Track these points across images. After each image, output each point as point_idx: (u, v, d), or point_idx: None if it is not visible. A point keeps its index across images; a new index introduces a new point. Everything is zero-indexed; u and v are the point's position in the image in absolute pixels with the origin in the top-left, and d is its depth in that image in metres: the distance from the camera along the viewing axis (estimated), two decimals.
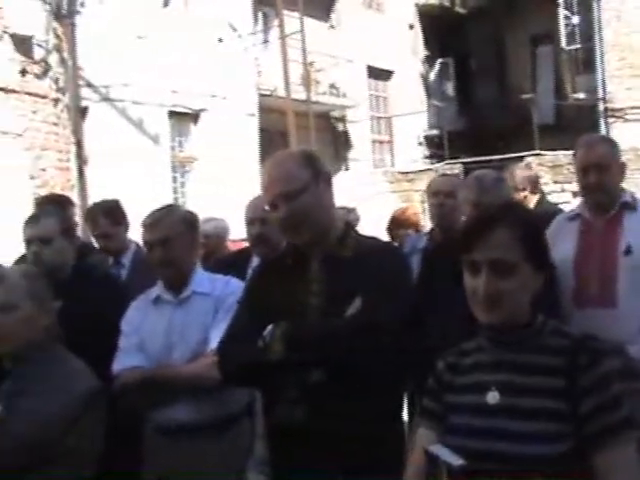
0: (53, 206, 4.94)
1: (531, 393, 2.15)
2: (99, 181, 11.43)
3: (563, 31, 21.54)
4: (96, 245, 5.39)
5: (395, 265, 2.94)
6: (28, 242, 3.94)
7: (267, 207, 2.96)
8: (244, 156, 15.29)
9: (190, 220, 3.69)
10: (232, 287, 3.52)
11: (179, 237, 3.55)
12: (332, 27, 21.04)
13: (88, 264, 4.45)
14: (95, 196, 9.03)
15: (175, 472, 3.47)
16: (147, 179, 12.80)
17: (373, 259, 2.86)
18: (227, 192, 13.13)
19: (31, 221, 3.99)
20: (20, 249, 4.13)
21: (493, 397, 2.20)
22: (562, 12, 21.43)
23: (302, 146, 4.15)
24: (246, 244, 4.96)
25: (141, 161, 13.09)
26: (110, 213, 5.29)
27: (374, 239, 3.13)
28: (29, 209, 7.30)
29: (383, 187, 19.02)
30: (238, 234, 6.31)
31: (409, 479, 2.36)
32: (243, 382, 3.15)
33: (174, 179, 14.86)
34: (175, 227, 3.56)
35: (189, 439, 3.46)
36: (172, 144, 14.87)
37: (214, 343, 3.23)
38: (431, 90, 24.68)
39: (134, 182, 12.16)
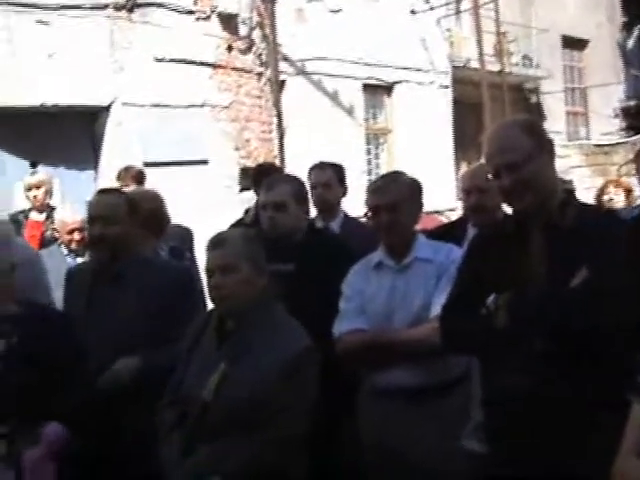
0: (287, 175, 5.17)
1: None
2: (296, 152, 11.71)
3: None
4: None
5: (619, 234, 2.87)
6: (263, 207, 4.18)
7: (490, 176, 2.98)
8: (437, 128, 15.24)
9: (415, 187, 3.74)
10: (455, 254, 3.53)
11: (405, 203, 3.61)
12: None
13: (320, 229, 4.58)
14: (293, 167, 9.28)
15: (391, 435, 3.56)
16: (342, 151, 12.97)
17: (596, 228, 2.82)
18: (420, 164, 13.12)
19: (267, 187, 4.21)
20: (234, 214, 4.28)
21: None
22: None
23: (524, 115, 4.09)
24: (436, 218, 4.99)
25: (336, 133, 13.29)
26: (338, 169, 5.56)
27: (595, 207, 3.07)
28: (235, 179, 7.66)
29: (577, 160, 18.44)
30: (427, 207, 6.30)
31: (629, 454, 2.36)
32: (465, 349, 3.18)
33: (368, 151, 14.98)
34: (402, 193, 3.62)
35: (407, 402, 3.53)
36: (366, 116, 15.00)
37: (436, 310, 3.28)
38: (629, 59, 23.59)
39: (329, 153, 12.36)
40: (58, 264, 5.25)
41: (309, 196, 4.30)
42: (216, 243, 3.21)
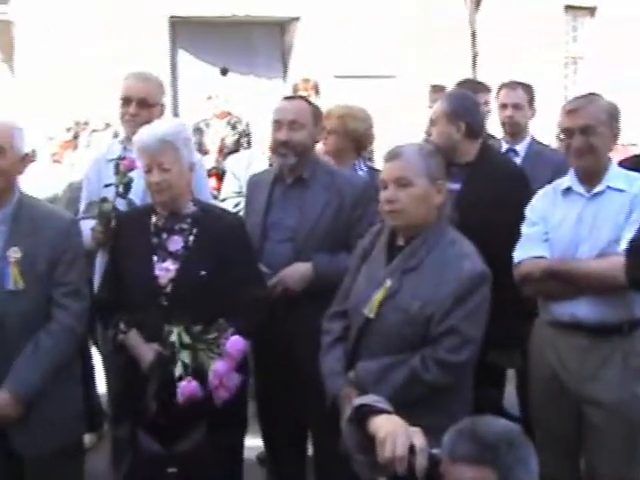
0: (456, 91, 4.99)
1: None
2: (489, 72, 11.34)
3: None
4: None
5: None
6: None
7: None
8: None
9: (613, 111, 3.49)
10: None
11: (600, 126, 3.38)
12: None
13: (492, 150, 4.41)
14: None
15: (567, 369, 3.44)
16: (537, 74, 12.43)
17: None
18: (622, 93, 12.39)
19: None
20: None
21: None
22: None
23: None
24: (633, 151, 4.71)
25: (531, 55, 12.77)
26: (529, 89, 5.39)
27: None
28: (424, 96, 7.58)
29: None
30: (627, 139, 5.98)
31: None
32: None
33: (565, 76, 14.34)
34: (597, 115, 3.39)
35: (587, 338, 3.38)
36: (565, 39, 14.31)
37: (625, 244, 3.09)
38: None
39: (523, 76, 11.89)
40: None
41: (475, 116, 4.09)
42: (392, 155, 3.10)
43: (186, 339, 3.17)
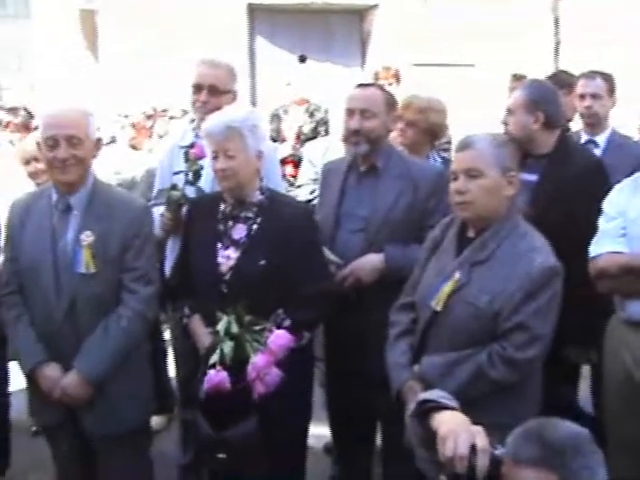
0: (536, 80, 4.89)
1: None
2: (570, 62, 11.10)
3: None
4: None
5: None
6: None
7: None
8: None
9: None
10: None
11: None
12: None
13: (570, 141, 4.30)
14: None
15: (639, 370, 3.32)
16: (617, 64, 12.14)
17: None
18: None
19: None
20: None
21: None
22: None
23: None
24: None
25: (617, 43, 12.43)
26: (609, 78, 5.21)
27: None
28: (504, 84, 7.45)
29: None
30: None
31: None
32: None
33: None
34: None
35: None
36: None
37: None
38: None
39: (604, 66, 11.60)
40: None
41: (554, 106, 3.98)
42: (464, 145, 3.02)
43: (234, 328, 3.15)
